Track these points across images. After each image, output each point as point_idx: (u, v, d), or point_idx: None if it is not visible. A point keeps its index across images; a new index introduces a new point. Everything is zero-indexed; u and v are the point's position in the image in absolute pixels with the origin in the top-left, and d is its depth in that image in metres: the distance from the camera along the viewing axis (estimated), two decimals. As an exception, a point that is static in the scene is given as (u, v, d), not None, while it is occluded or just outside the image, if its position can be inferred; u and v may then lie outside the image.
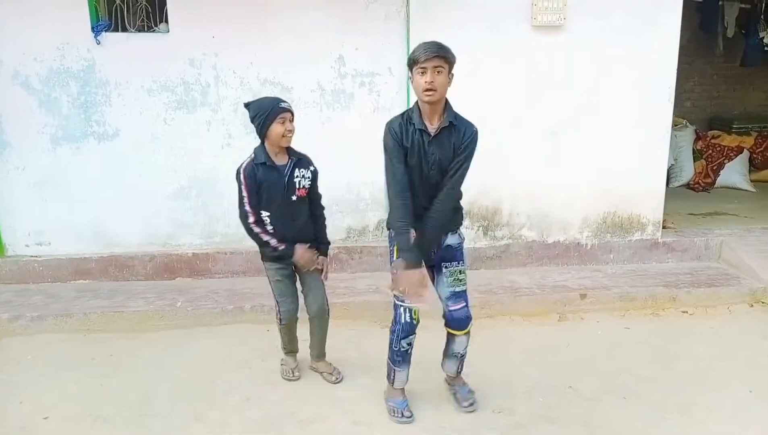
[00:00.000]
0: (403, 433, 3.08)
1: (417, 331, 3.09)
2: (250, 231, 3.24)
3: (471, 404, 3.23)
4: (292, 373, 3.59)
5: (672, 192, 6.60)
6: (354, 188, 5.03)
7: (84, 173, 4.84)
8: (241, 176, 3.16)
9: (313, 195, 3.37)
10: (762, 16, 7.26)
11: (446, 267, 3.06)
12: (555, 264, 5.20)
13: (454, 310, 3.07)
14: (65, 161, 4.82)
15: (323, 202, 3.46)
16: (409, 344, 3.09)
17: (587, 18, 4.78)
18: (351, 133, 4.90)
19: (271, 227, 3.24)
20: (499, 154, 4.79)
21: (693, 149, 7.48)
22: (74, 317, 4.28)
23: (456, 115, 2.85)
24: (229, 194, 4.90)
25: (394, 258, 2.96)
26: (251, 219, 3.20)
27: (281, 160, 3.21)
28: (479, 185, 4.74)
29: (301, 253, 3.30)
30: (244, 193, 3.17)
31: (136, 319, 4.31)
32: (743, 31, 7.56)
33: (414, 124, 2.78)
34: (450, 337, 3.17)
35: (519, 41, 4.79)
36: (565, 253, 5.21)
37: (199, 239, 5.04)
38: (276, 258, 3.32)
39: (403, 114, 2.85)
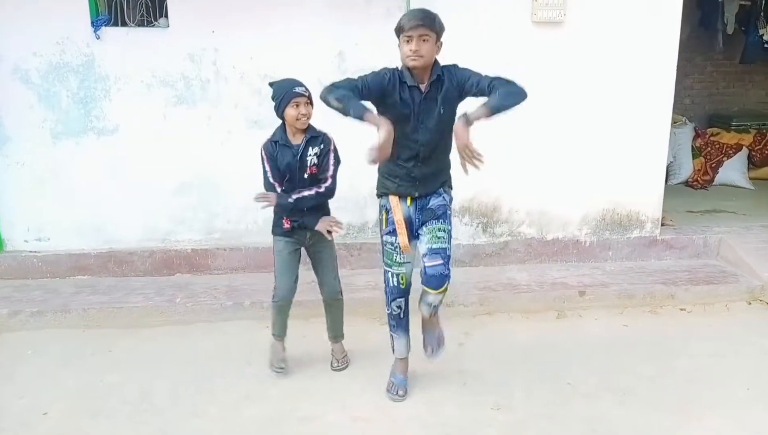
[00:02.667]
0: (401, 428, 3.09)
1: (410, 299, 3.20)
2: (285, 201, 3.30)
3: (432, 352, 3.24)
4: (279, 363, 3.55)
5: (671, 189, 6.60)
6: (354, 185, 5.00)
7: (83, 168, 4.84)
8: (262, 152, 3.35)
9: (319, 173, 3.36)
10: (762, 13, 7.25)
11: (426, 225, 3.03)
12: (554, 261, 5.20)
13: (429, 266, 2.96)
14: (65, 156, 4.81)
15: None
16: (399, 308, 3.17)
17: (587, 14, 4.77)
18: (351, 129, 4.87)
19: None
20: (497, 150, 4.78)
21: (692, 147, 7.48)
22: (73, 313, 4.29)
23: (442, 69, 2.88)
24: (229, 190, 4.91)
25: (383, 227, 3.07)
26: (278, 190, 3.32)
27: (297, 139, 3.32)
28: (478, 182, 4.73)
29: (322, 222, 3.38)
30: (267, 168, 3.34)
31: (135, 315, 4.31)
32: (743, 28, 7.55)
33: (406, 82, 2.82)
34: (424, 293, 3.03)
35: (519, 37, 4.78)
36: (564, 250, 5.21)
37: (198, 235, 5.04)
38: (286, 232, 3.40)
39: (393, 70, 2.86)
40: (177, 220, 5.00)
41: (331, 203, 4.97)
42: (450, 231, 3.06)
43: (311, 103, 3.29)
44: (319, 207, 3.40)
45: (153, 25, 4.75)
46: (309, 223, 3.36)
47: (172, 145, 4.84)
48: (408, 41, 2.70)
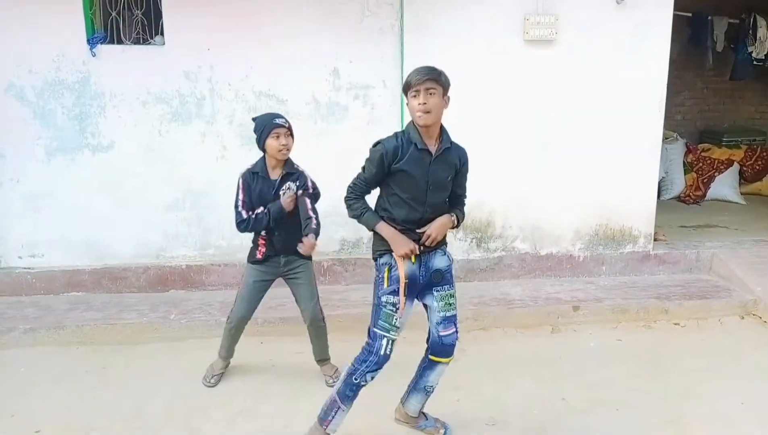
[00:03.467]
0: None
1: None
2: (242, 221, 3.37)
3: (447, 431, 3.14)
4: (212, 379, 3.64)
5: (663, 204, 6.65)
6: (348, 200, 5.04)
7: (78, 185, 4.84)
8: (240, 180, 3.41)
9: (309, 198, 3.46)
10: (750, 31, 7.35)
11: (437, 291, 2.93)
12: (548, 276, 5.22)
13: (445, 336, 2.94)
14: (59, 173, 4.82)
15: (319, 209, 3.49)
16: (372, 379, 2.90)
17: (578, 32, 4.84)
18: (345, 146, 4.92)
19: (265, 231, 3.43)
20: (491, 166, 4.83)
21: (684, 162, 7.55)
22: (67, 329, 4.27)
23: (452, 142, 2.86)
24: (223, 206, 4.89)
25: (385, 286, 2.84)
26: (244, 215, 3.37)
27: (276, 174, 3.39)
28: (472, 197, 4.71)
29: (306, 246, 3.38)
30: (240, 196, 3.38)
31: (130, 332, 4.30)
32: (732, 46, 7.65)
33: (415, 143, 2.75)
34: (430, 366, 3.01)
35: (511, 55, 4.84)
36: (558, 265, 5.23)
37: (192, 251, 5.04)
38: (261, 261, 3.48)
39: (397, 134, 2.83)
40: (171, 236, 5.00)
41: (326, 218, 4.98)
42: (456, 294, 3.03)
43: (291, 136, 3.37)
44: (297, 232, 3.39)
45: (149, 43, 4.79)
46: (286, 247, 3.41)
47: (167, 162, 4.86)
48: (415, 96, 2.68)
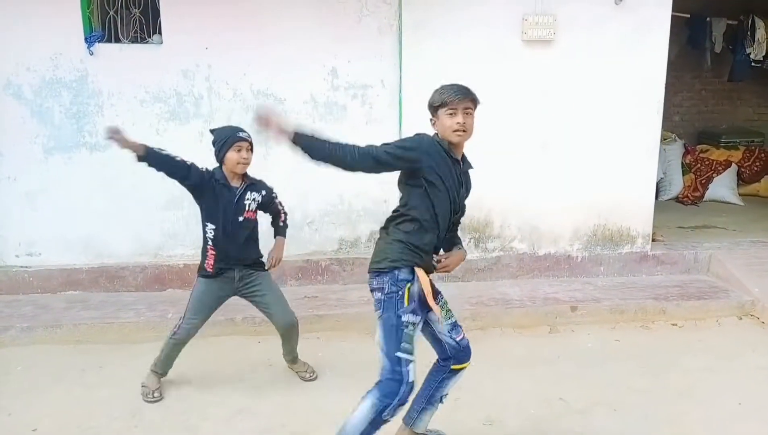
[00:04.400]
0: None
1: None
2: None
3: None
4: (153, 393, 3.46)
5: (661, 205, 6.66)
6: (346, 200, 5.04)
7: (75, 183, 4.83)
8: (206, 169, 3.36)
9: (271, 211, 3.58)
10: (748, 33, 7.37)
11: (438, 303, 2.80)
12: (546, 276, 5.23)
13: (460, 340, 2.85)
14: (57, 171, 4.81)
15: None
16: (398, 412, 2.61)
17: (577, 33, 4.85)
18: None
19: (212, 242, 3.34)
20: (489, 166, 4.81)
21: (682, 163, 7.56)
22: (64, 328, 4.26)
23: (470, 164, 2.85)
24: (221, 205, 4.91)
25: (405, 304, 2.60)
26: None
27: (235, 183, 3.39)
28: (470, 197, 4.77)
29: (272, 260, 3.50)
30: (199, 169, 3.34)
31: (127, 331, 4.29)
32: (730, 47, 7.67)
33: (450, 154, 2.67)
34: (452, 375, 2.88)
35: (509, 55, 4.85)
36: (556, 266, 5.24)
37: (190, 250, 5.02)
38: (212, 275, 3.37)
39: (434, 138, 2.69)
40: (169, 235, 4.99)
41: (324, 218, 4.99)
42: None
43: (252, 150, 3.36)
44: (252, 243, 3.44)
45: (147, 42, 4.78)
46: (241, 259, 3.39)
47: (165, 161, 4.85)
48: (452, 114, 2.60)
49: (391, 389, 2.56)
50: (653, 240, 5.37)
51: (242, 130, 3.34)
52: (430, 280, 2.70)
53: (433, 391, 2.91)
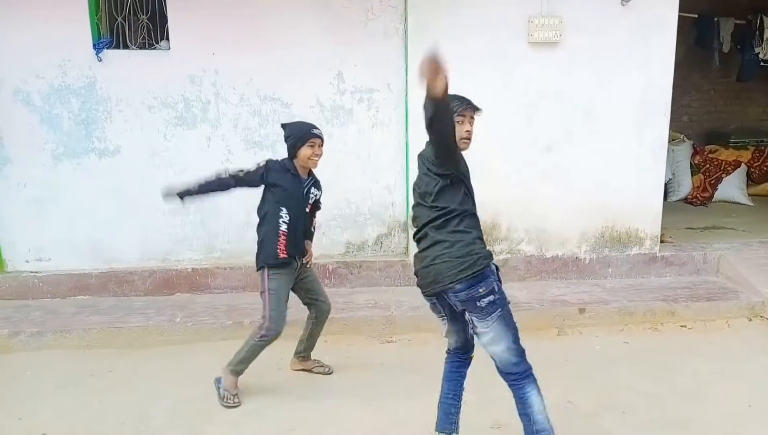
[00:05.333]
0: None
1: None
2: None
3: None
4: (234, 399, 3.47)
5: (670, 206, 6.62)
6: (353, 203, 5.05)
7: (84, 189, 4.87)
8: (265, 163, 3.41)
9: (313, 211, 3.70)
10: (757, 32, 7.32)
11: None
12: (553, 278, 5.21)
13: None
14: (66, 177, 4.85)
15: (322, 216, 3.58)
16: None
17: (583, 34, 4.83)
18: (350, 149, 4.94)
19: (285, 226, 3.38)
20: (496, 169, 4.82)
21: (691, 164, 7.52)
22: (73, 333, 4.29)
23: None
24: (228, 209, 4.94)
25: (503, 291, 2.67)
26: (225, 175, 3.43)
27: (303, 176, 3.50)
28: (477, 200, 4.77)
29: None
30: (257, 171, 3.39)
31: (136, 335, 4.31)
32: (739, 47, 7.62)
33: None
34: (468, 364, 2.98)
35: (516, 57, 4.84)
36: (564, 268, 5.22)
37: (198, 255, 5.06)
38: (282, 263, 3.41)
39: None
40: (177, 240, 5.02)
41: (330, 222, 5.01)
42: None
43: (322, 146, 3.45)
44: (302, 242, 3.53)
45: (154, 48, 4.81)
46: (302, 249, 3.53)
47: (173, 166, 4.88)
48: (462, 122, 2.63)
49: (534, 381, 2.69)
50: (662, 241, 5.34)
51: (316, 127, 3.46)
52: None
53: (460, 388, 2.96)
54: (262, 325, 3.41)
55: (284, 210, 3.38)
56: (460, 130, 2.63)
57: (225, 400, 3.45)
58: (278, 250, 3.37)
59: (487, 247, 2.74)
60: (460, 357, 2.95)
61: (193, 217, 4.99)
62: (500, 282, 2.69)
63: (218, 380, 3.53)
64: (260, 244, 3.45)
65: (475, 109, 2.70)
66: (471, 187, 2.73)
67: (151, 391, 3.63)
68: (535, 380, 2.70)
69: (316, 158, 3.43)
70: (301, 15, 4.76)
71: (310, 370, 3.80)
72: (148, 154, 4.86)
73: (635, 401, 3.46)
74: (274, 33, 4.77)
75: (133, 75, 4.75)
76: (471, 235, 2.67)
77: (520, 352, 2.71)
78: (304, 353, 3.80)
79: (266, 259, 3.41)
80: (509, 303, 2.71)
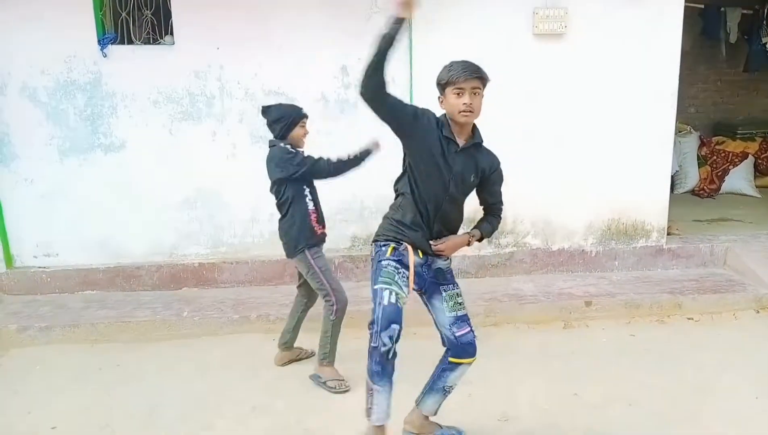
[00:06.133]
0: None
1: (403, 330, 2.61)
2: (331, 166, 3.52)
3: None
4: (343, 384, 3.53)
5: (677, 198, 6.60)
6: (358, 197, 5.05)
7: (91, 184, 4.88)
8: (296, 153, 3.50)
9: None
10: (764, 22, 7.26)
11: (445, 290, 2.81)
12: (560, 271, 5.20)
13: (460, 336, 2.78)
14: (72, 173, 4.86)
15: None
16: (391, 339, 2.51)
17: (588, 26, 4.80)
18: (355, 143, 4.91)
19: (313, 205, 3.54)
20: (502, 161, 4.80)
21: (697, 155, 7.48)
22: (82, 328, 4.32)
23: (482, 141, 2.79)
24: (234, 204, 4.95)
25: (388, 254, 2.70)
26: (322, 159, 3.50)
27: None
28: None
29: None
30: (301, 157, 3.47)
31: (143, 329, 4.34)
32: (746, 37, 7.57)
33: (442, 131, 2.66)
34: (451, 368, 2.84)
35: (521, 50, 4.82)
36: (570, 261, 5.21)
37: (205, 249, 5.07)
38: (318, 241, 3.54)
39: (438, 118, 2.72)
40: (183, 235, 5.04)
41: (336, 215, 5.02)
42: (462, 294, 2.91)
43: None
44: None
45: (159, 43, 4.81)
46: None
47: (178, 161, 4.89)
48: (459, 94, 2.56)
49: (371, 319, 2.63)
50: (669, 233, 5.32)
51: (301, 108, 3.55)
52: (442, 269, 2.81)
53: (435, 379, 2.93)
54: (331, 301, 3.49)
55: (306, 189, 3.51)
56: (457, 103, 2.57)
57: (336, 388, 3.52)
58: (315, 229, 3.52)
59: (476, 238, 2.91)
60: (444, 352, 2.94)
61: (199, 212, 5.00)
62: (391, 250, 2.72)
63: (316, 377, 3.58)
64: (290, 230, 3.50)
65: (475, 77, 2.56)
66: (430, 179, 2.67)
67: (159, 385, 3.65)
68: (370, 337, 2.62)
69: (306, 137, 3.55)
70: (305, 9, 4.74)
71: (297, 360, 3.86)
72: (153, 150, 4.87)
73: (642, 394, 3.46)
74: (279, 27, 4.76)
75: (137, 70, 4.75)
76: (386, 213, 2.83)
77: (372, 297, 2.70)
78: (288, 343, 3.83)
79: (301, 241, 3.49)
80: (380, 265, 2.72)
